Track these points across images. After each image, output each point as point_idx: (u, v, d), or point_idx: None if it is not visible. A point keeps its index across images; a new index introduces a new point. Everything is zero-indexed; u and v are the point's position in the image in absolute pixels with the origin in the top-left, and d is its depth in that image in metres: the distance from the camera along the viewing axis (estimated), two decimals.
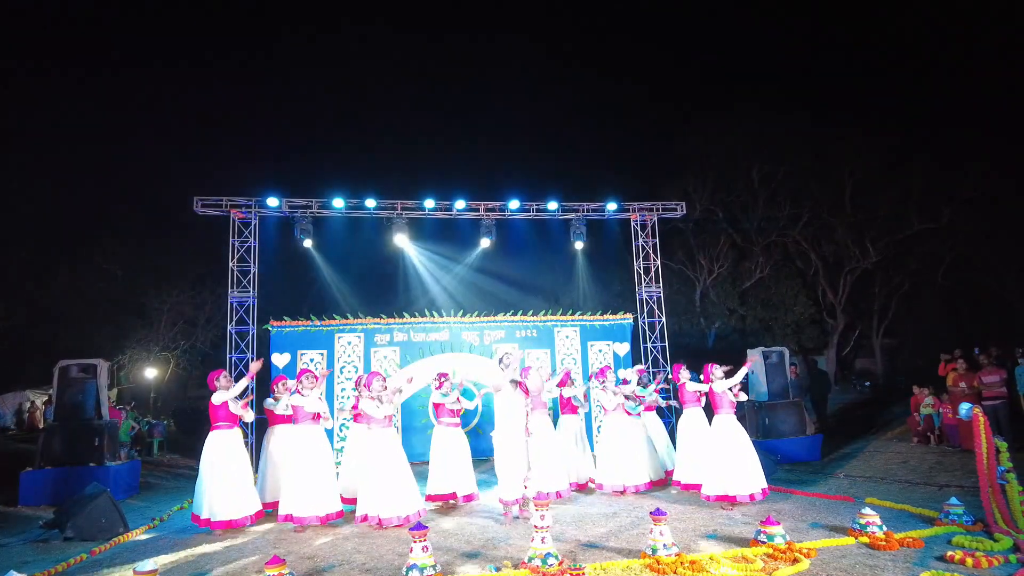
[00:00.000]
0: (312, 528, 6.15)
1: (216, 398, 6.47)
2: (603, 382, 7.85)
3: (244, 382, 6.64)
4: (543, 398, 7.33)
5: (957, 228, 18.14)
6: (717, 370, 7.08)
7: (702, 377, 7.28)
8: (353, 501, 6.53)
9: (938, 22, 23.00)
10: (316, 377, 6.64)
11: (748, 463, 6.54)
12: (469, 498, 7.04)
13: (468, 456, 7.29)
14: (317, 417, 6.46)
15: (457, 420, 7.41)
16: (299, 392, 6.47)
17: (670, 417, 10.91)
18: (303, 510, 6.10)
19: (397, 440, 6.56)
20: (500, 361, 6.66)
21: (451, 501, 6.99)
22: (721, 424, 6.79)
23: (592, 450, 8.55)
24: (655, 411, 8.82)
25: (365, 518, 6.09)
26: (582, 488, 7.77)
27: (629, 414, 7.77)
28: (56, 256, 18.14)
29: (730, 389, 6.85)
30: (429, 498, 6.90)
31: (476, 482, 7.29)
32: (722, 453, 6.61)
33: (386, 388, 6.50)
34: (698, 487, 6.87)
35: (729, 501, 6.42)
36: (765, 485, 6.56)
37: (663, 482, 7.83)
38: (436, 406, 7.45)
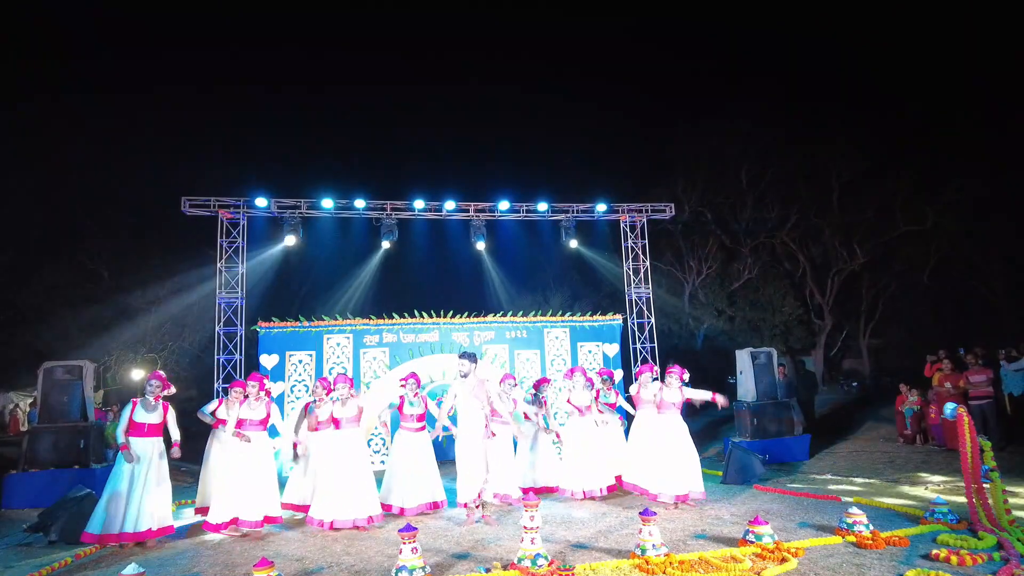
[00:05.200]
0: (301, 530, 6.13)
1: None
2: (572, 384, 7.79)
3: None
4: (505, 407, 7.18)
5: (942, 230, 18.35)
6: (645, 376, 7.24)
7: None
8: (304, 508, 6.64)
9: (929, 25, 23.27)
10: (263, 387, 6.53)
11: (672, 464, 6.56)
12: (437, 506, 6.86)
13: (432, 463, 7.03)
14: (265, 423, 6.37)
15: (421, 425, 7.14)
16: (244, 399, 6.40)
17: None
18: (248, 514, 6.00)
19: (354, 443, 6.36)
20: (462, 359, 6.45)
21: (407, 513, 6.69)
22: (658, 424, 6.90)
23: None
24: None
25: (311, 521, 6.08)
26: (551, 491, 7.63)
27: (601, 412, 7.72)
28: (41, 256, 17.93)
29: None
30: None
31: (443, 488, 7.03)
32: (651, 451, 6.77)
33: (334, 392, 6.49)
34: (633, 487, 7.10)
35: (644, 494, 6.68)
36: (689, 491, 6.48)
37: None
38: (399, 409, 7.17)
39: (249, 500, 6.02)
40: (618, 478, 7.44)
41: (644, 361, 12.26)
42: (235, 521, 5.96)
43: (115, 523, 5.64)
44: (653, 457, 6.76)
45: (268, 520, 6.11)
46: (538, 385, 8.24)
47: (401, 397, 7.19)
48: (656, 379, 7.37)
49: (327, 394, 6.87)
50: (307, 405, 7.10)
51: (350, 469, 6.19)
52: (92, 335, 17.40)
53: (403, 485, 6.81)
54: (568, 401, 7.79)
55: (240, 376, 10.83)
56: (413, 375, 7.30)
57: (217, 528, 5.95)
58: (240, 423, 6.30)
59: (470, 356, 6.47)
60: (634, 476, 7.05)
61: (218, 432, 6.94)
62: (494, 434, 6.30)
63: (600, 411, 7.73)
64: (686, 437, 6.77)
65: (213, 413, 6.91)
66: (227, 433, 6.36)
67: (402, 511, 6.66)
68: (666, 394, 6.88)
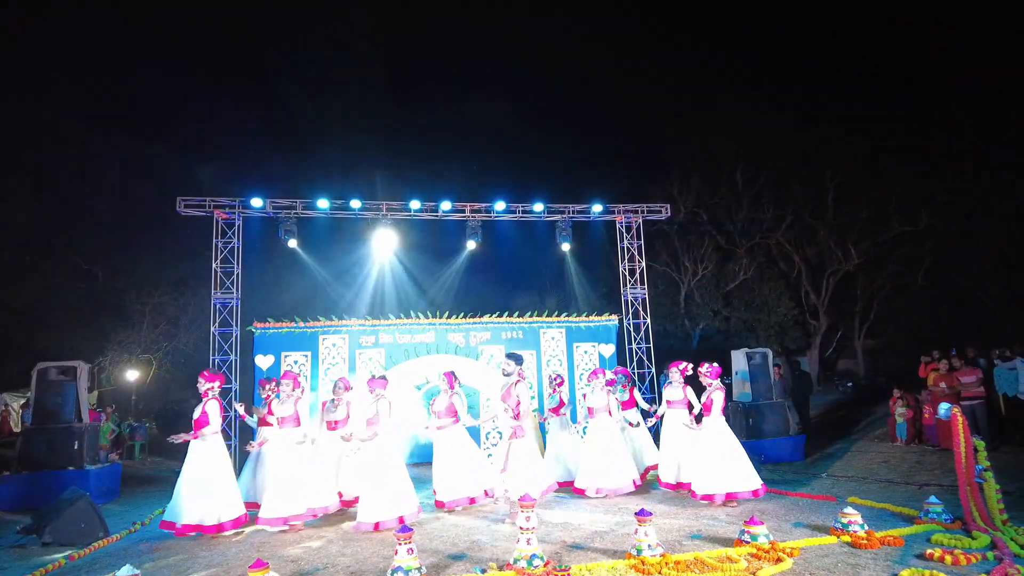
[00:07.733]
0: (294, 531, 6.14)
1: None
2: (592, 384, 7.88)
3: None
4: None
5: (936, 231, 18.43)
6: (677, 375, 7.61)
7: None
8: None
9: (927, 25, 23.38)
10: (297, 384, 6.73)
11: (720, 464, 6.65)
12: (487, 494, 6.99)
13: (474, 455, 7.17)
14: (297, 419, 6.43)
15: (455, 419, 7.27)
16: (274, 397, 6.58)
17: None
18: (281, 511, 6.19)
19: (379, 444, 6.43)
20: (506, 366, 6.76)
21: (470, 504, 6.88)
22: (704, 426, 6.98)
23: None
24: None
25: (358, 526, 6.05)
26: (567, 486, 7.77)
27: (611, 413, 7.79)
28: (35, 257, 17.86)
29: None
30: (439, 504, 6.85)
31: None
32: (706, 453, 6.77)
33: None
34: (675, 486, 7.25)
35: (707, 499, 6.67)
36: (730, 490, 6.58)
37: (644, 477, 7.91)
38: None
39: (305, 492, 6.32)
40: (643, 476, 7.58)
41: (639, 362, 12.27)
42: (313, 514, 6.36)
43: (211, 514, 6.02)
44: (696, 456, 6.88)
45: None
46: (559, 384, 8.37)
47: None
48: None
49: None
50: (324, 404, 7.42)
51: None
52: (86, 336, 17.34)
53: (451, 478, 6.91)
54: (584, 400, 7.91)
55: (235, 377, 10.81)
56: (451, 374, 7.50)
57: (285, 522, 6.17)
58: (277, 421, 6.52)
59: (516, 357, 6.77)
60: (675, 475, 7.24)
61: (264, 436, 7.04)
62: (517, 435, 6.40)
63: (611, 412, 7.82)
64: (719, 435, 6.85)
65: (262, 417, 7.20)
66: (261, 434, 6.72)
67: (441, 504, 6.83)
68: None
